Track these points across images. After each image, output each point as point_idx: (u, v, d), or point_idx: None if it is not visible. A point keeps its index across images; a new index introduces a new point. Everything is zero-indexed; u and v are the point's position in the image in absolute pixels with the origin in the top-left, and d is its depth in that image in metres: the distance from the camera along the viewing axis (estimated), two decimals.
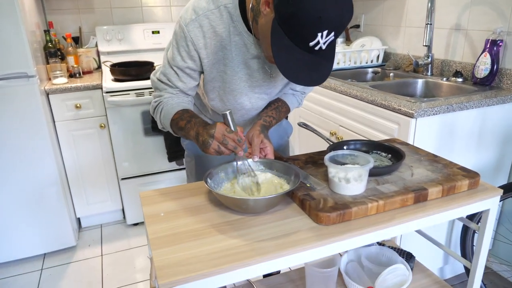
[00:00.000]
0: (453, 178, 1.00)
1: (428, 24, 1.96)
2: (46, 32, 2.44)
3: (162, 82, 1.11)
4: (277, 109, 1.21)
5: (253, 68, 1.08)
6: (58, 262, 2.25)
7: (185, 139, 1.36)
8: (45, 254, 2.32)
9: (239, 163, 1.01)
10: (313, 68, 0.87)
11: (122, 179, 2.44)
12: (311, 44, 0.83)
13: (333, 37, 0.84)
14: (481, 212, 1.02)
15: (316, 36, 0.81)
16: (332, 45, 0.87)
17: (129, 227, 2.58)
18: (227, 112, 0.94)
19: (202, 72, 1.11)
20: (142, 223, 2.61)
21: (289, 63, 0.85)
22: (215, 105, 1.18)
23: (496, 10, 1.80)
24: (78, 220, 2.58)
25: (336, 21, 0.81)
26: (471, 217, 1.65)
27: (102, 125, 2.31)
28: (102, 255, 2.30)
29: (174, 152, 2.31)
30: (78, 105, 2.23)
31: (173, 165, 2.50)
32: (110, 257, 2.28)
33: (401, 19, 2.34)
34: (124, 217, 2.62)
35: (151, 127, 2.34)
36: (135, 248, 2.37)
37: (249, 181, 0.98)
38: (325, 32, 0.81)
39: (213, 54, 1.04)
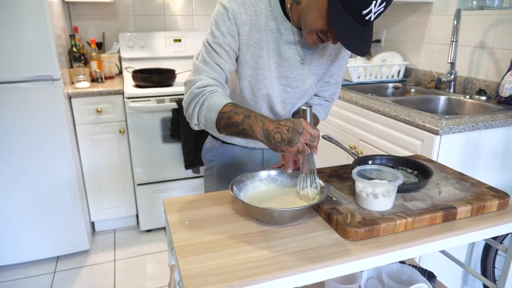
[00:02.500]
0: (482, 197, 0.98)
1: (453, 41, 1.95)
2: (71, 36, 2.49)
3: (203, 63, 1.03)
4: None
5: (284, 56, 1.08)
6: (71, 265, 2.26)
7: (228, 137, 1.27)
8: (58, 257, 2.33)
9: (306, 162, 0.94)
10: (362, 39, 0.91)
11: (138, 184, 2.45)
12: (364, 12, 0.86)
13: (383, 8, 0.87)
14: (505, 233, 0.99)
15: (371, 4, 0.84)
16: (377, 18, 0.90)
17: (142, 233, 2.58)
18: (308, 108, 0.91)
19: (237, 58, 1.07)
20: (156, 229, 2.61)
21: (344, 31, 0.88)
22: (246, 96, 1.14)
23: None
24: (92, 224, 2.59)
25: None
26: (494, 237, 1.61)
27: (122, 130, 2.33)
28: (115, 260, 2.30)
29: (191, 159, 2.32)
30: (99, 110, 2.26)
31: (189, 172, 2.51)
32: (122, 263, 2.28)
33: (423, 35, 2.33)
34: (138, 223, 2.63)
35: (170, 134, 2.36)
36: (147, 254, 2.36)
37: (313, 189, 0.95)
38: (379, 1, 0.84)
39: (251, 34, 1.03)
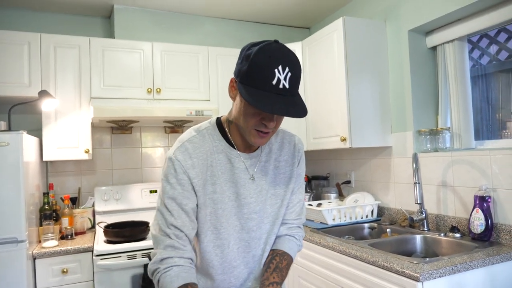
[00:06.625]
0: None
1: (416, 183, 2.05)
2: (45, 194, 2.48)
3: (159, 232, 1.04)
4: (277, 267, 1.12)
5: (239, 183, 1.10)
6: None
7: None
8: None
9: None
10: (289, 104, 0.93)
11: None
12: (274, 82, 0.91)
13: (289, 73, 0.92)
14: None
15: (274, 73, 0.91)
16: (294, 85, 0.95)
17: None
18: None
19: (196, 205, 1.07)
20: None
21: (262, 100, 0.91)
22: (209, 241, 1.08)
23: (477, 169, 1.91)
24: None
25: (284, 57, 0.93)
26: None
27: None
28: None
29: None
30: (65, 270, 2.11)
31: None
32: None
33: (389, 175, 2.46)
34: None
35: None
36: None
37: None
38: (280, 67, 0.91)
39: (202, 174, 1.06)
